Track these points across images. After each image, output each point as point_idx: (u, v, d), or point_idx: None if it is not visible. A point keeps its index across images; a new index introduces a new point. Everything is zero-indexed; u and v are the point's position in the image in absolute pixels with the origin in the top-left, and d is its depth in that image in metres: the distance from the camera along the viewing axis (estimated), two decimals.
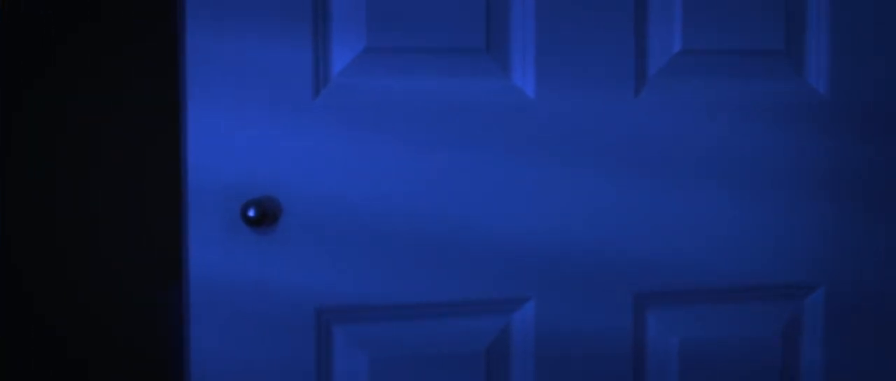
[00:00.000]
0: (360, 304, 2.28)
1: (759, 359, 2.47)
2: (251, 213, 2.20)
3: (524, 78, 2.35)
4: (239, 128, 2.22)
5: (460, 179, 2.30)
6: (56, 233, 2.03)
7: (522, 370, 2.39)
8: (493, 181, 2.31)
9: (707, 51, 2.39)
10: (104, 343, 2.06)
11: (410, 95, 2.30)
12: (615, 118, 2.39)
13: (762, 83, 2.45)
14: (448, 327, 2.36)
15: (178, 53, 2.26)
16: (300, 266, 2.28)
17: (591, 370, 2.40)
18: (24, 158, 1.87)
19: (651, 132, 2.38)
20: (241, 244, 2.24)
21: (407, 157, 2.30)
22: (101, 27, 1.99)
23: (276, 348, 2.26)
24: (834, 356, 2.52)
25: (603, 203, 2.37)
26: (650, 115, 2.39)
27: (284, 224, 2.26)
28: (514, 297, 2.37)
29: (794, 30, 2.48)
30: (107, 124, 2.01)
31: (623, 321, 2.40)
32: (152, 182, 2.08)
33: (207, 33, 2.19)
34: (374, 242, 2.27)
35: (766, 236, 2.48)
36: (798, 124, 2.48)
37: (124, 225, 2.05)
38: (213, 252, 2.21)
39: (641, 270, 2.39)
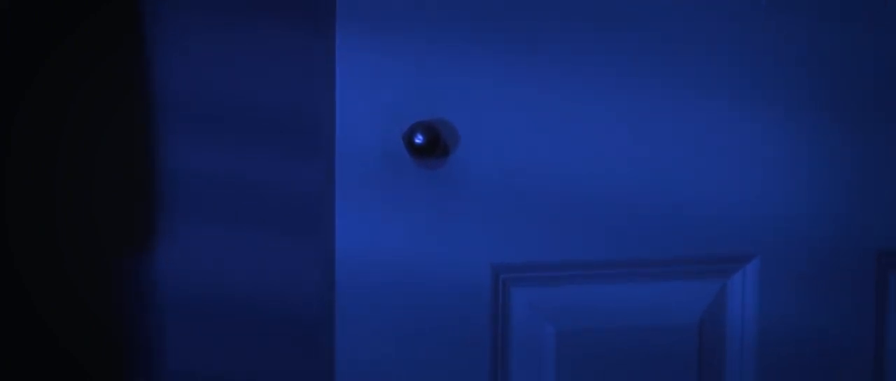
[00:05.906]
0: (543, 262, 1.91)
1: None
2: (419, 139, 1.78)
3: None
4: (400, 39, 1.81)
5: (665, 99, 1.92)
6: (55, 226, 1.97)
7: (739, 351, 1.99)
8: (704, 110, 1.94)
9: None
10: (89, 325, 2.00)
11: None
12: (867, 29, 1.96)
13: None
14: (649, 292, 1.96)
15: None
16: (473, 212, 1.87)
17: (827, 346, 2.02)
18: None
19: None
20: (401, 184, 1.84)
21: (607, 70, 1.89)
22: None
23: (441, 311, 1.89)
24: None
25: (840, 145, 1.99)
26: None
27: (457, 158, 1.84)
28: (735, 255, 1.95)
29: None
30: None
31: (863, 285, 2.02)
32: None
33: None
34: (559, 185, 1.89)
35: None
36: None
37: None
38: (364, 195, 1.84)
39: (884, 227, 2.02)
